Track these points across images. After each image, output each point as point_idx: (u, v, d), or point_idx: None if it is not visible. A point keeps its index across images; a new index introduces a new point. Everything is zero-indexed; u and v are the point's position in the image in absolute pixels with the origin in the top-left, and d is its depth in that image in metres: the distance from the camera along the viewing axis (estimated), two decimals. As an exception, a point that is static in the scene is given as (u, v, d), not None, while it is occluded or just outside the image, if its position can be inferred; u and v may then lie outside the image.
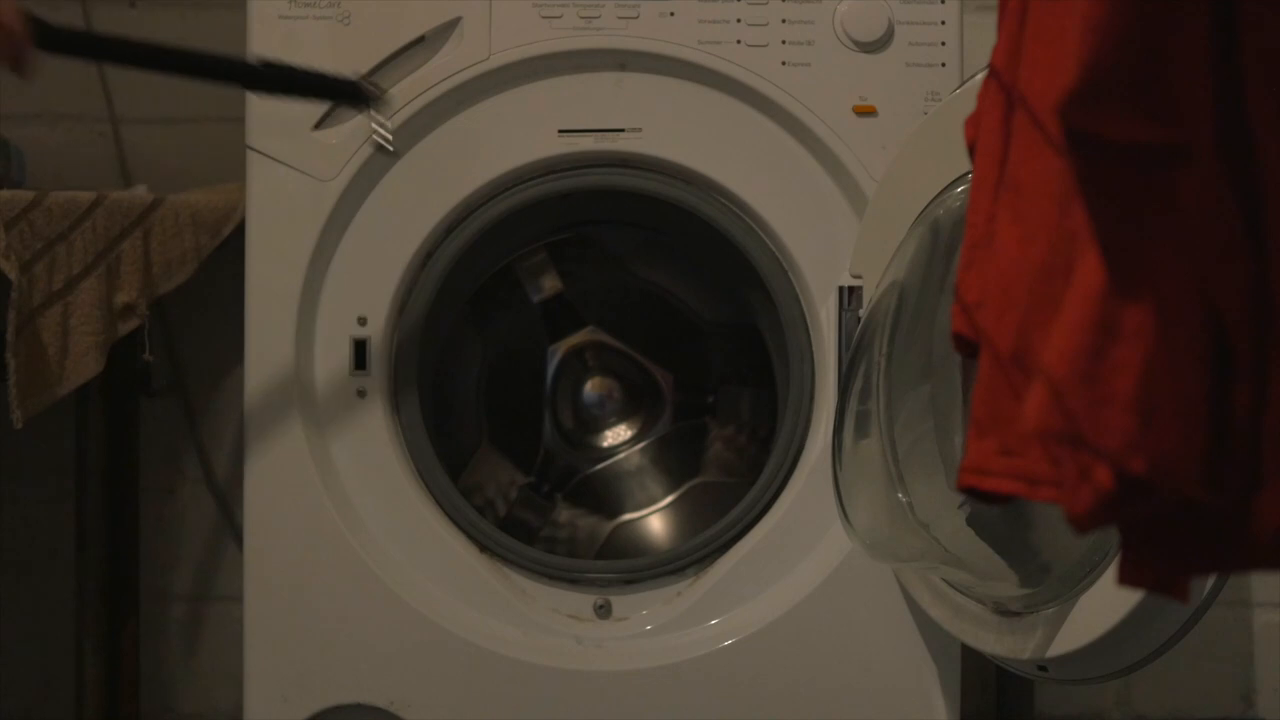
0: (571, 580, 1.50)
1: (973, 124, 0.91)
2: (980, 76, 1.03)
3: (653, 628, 1.49)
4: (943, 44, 1.47)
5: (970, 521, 1.29)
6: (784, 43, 1.46)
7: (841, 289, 1.46)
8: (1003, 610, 1.31)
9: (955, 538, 1.29)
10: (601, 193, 1.49)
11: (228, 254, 1.57)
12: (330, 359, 1.48)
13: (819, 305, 1.48)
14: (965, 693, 1.49)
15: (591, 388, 1.62)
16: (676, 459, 1.62)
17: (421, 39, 1.45)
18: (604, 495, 1.61)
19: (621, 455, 1.63)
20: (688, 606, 1.49)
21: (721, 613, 1.49)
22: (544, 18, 1.46)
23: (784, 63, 1.46)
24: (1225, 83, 0.63)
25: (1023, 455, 0.78)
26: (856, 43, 1.46)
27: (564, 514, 1.59)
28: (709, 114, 1.47)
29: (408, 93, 1.45)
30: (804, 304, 1.48)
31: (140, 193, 1.57)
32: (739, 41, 1.46)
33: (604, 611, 1.49)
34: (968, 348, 0.89)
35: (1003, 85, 0.85)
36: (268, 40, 1.45)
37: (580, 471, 1.62)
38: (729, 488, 1.56)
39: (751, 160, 1.47)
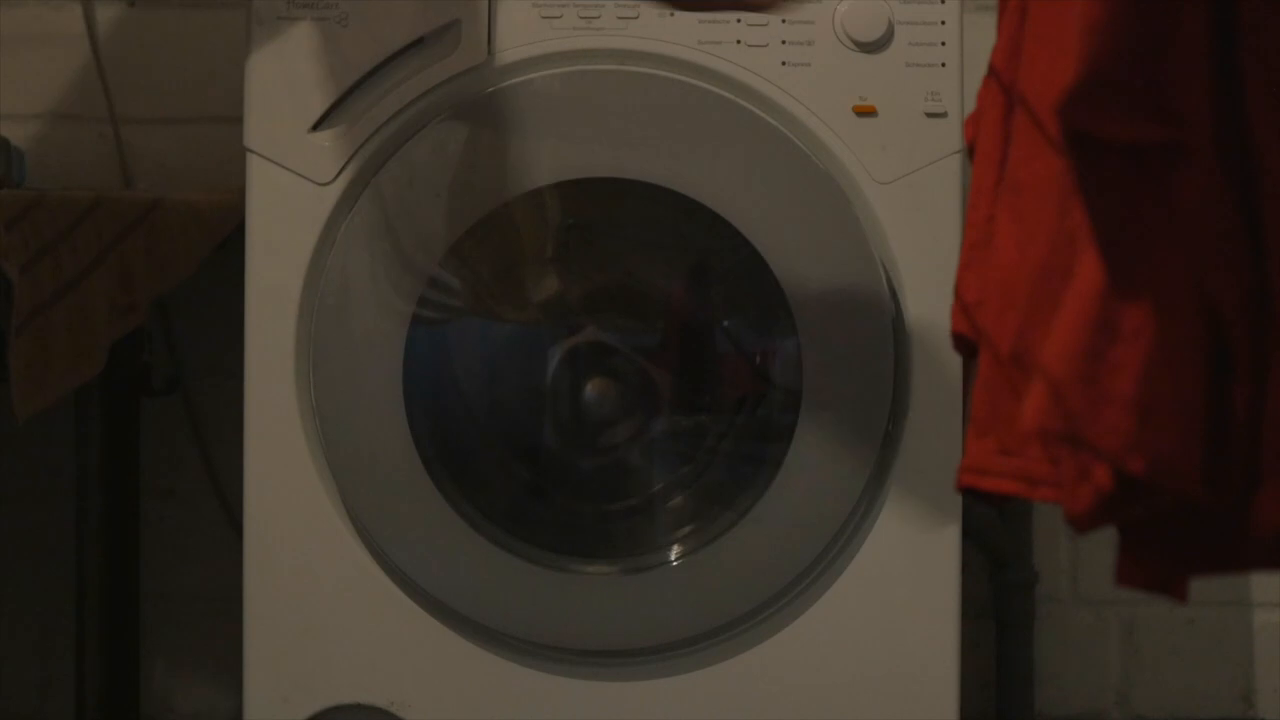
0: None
1: (973, 124, 0.91)
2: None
3: (653, 628, 1.49)
4: (943, 44, 1.47)
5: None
6: (784, 43, 1.46)
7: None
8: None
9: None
10: (602, 192, 1.49)
11: (228, 254, 1.57)
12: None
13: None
14: (965, 693, 1.49)
15: (591, 387, 1.62)
16: (676, 458, 1.62)
17: (420, 41, 1.45)
18: (604, 494, 1.61)
19: (621, 454, 1.63)
20: (688, 606, 1.49)
21: (721, 613, 1.49)
22: (544, 18, 1.46)
23: (784, 63, 1.46)
24: (1225, 83, 0.63)
25: (1022, 455, 0.79)
26: (856, 43, 1.46)
27: (564, 512, 1.59)
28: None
29: (407, 95, 1.45)
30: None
31: (141, 193, 1.57)
32: (739, 41, 1.46)
33: (604, 611, 1.49)
34: (967, 348, 0.89)
35: (1003, 85, 0.85)
36: (267, 41, 1.45)
37: (580, 470, 1.62)
38: (728, 486, 1.56)
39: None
